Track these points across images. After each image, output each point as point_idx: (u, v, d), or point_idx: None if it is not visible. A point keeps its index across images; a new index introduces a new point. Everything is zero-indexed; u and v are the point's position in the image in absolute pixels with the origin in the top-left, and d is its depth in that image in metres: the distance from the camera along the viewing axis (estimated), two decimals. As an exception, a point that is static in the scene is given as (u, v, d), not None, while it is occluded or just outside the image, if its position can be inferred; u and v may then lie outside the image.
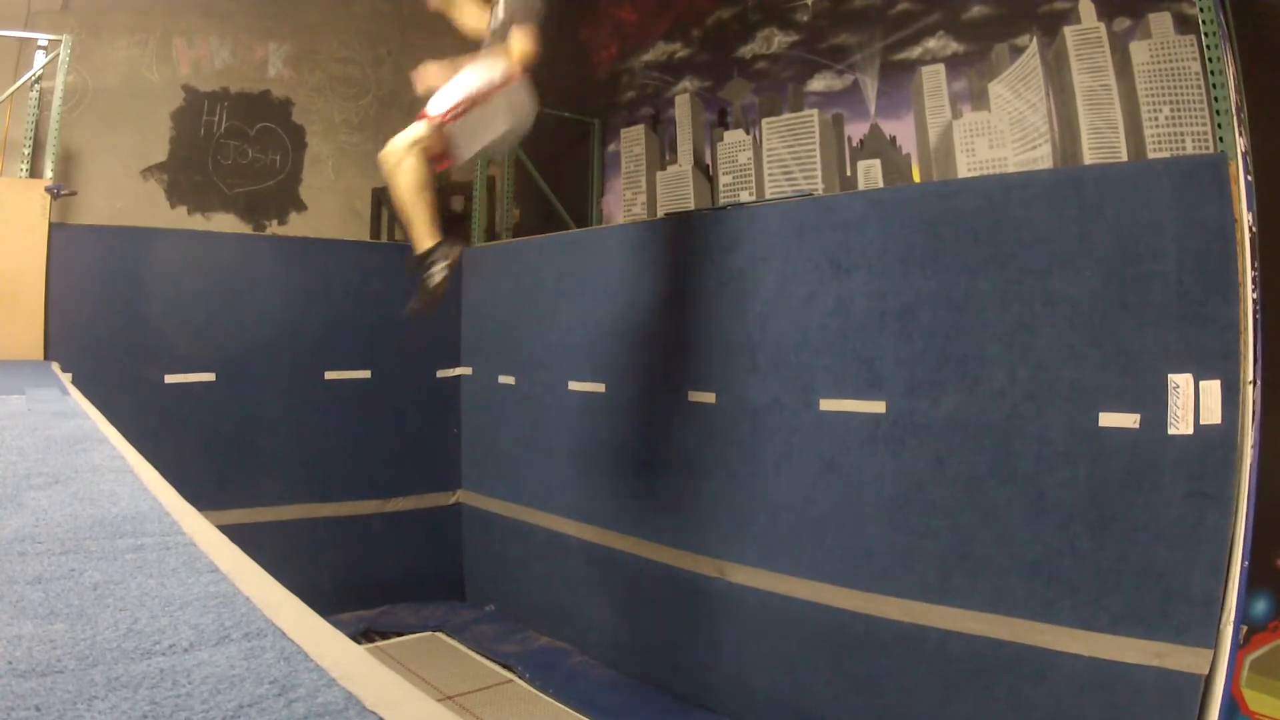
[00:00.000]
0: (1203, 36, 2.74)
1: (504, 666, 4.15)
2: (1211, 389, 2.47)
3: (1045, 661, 2.73)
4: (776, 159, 4.84)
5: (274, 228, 5.73)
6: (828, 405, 3.31)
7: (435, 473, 5.10)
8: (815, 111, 4.67)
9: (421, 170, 2.66)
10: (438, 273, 2.70)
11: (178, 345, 4.42)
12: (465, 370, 5.17)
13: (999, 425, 2.86)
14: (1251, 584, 2.53)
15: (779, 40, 4.85)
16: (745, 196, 4.94)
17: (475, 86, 2.85)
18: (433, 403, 5.11)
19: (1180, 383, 2.52)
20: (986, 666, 2.86)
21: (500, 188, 5.74)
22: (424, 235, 2.70)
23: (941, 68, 4.15)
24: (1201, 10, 2.72)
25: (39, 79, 4.34)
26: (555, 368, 4.48)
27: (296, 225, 5.79)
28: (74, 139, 4.88)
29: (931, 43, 4.18)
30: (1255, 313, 2.43)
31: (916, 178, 4.26)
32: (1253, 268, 2.44)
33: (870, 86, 4.45)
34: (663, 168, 5.53)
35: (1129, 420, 2.61)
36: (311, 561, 4.58)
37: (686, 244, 3.88)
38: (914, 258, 3.10)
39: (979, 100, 4.03)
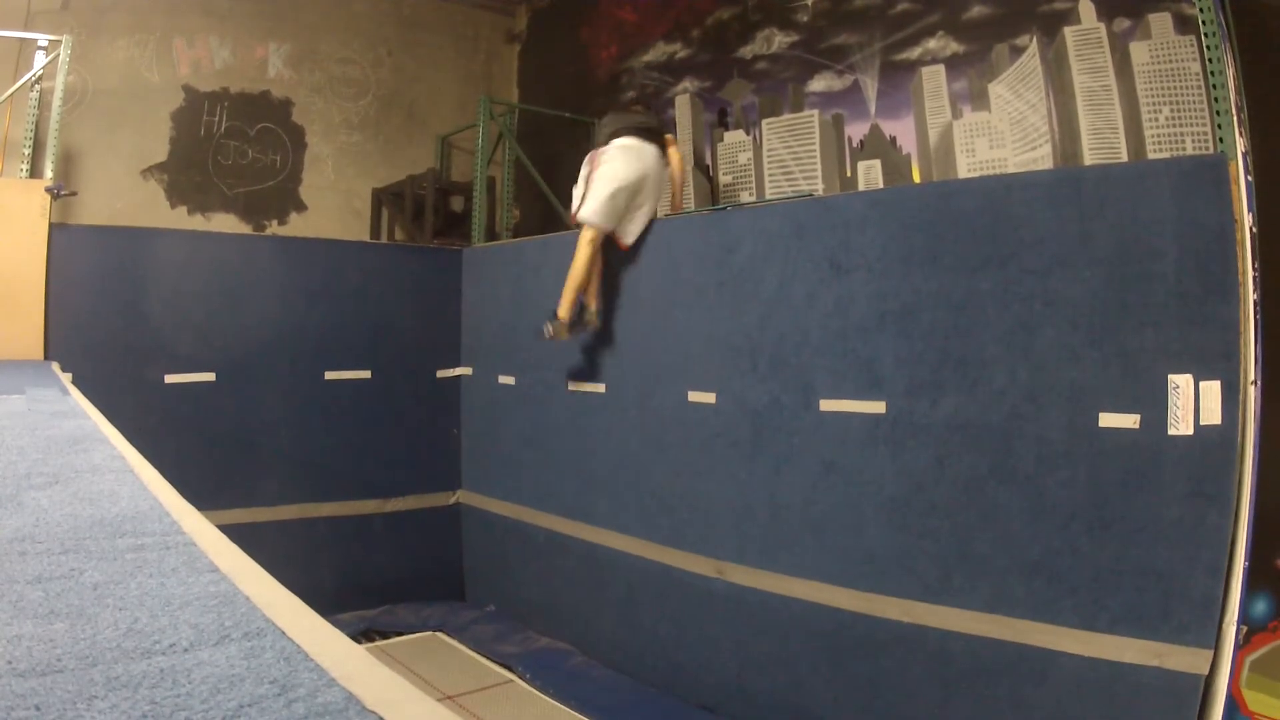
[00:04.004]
0: (1203, 36, 2.74)
1: (504, 666, 4.15)
2: (1211, 389, 2.47)
3: (1045, 661, 2.73)
4: (776, 159, 4.84)
5: (274, 228, 5.73)
6: (828, 405, 3.31)
7: (435, 473, 5.10)
8: (815, 111, 4.67)
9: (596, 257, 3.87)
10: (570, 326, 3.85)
11: (178, 345, 4.42)
12: (465, 370, 5.17)
13: (999, 425, 2.86)
14: (1251, 584, 2.53)
15: (779, 40, 4.85)
16: (745, 196, 4.94)
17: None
18: (433, 403, 5.11)
19: (1180, 383, 2.52)
20: (986, 666, 2.86)
21: (500, 188, 5.74)
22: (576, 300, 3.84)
23: (941, 68, 4.15)
24: (1201, 10, 2.72)
25: (39, 79, 4.34)
26: (555, 368, 4.48)
27: (296, 225, 5.79)
28: (74, 139, 4.88)
29: (931, 43, 4.18)
30: (1255, 313, 2.43)
31: (916, 178, 4.26)
32: (1253, 268, 2.44)
33: (870, 86, 4.45)
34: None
35: (1129, 420, 2.61)
36: (311, 561, 4.58)
37: (686, 244, 3.88)
38: (914, 258, 3.10)
39: (979, 100, 4.03)
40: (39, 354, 4.04)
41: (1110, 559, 2.63)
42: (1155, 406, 2.56)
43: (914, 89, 4.26)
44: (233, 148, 5.60)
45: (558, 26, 6.40)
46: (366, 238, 5.95)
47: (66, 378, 3.50)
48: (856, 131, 4.51)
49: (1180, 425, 2.51)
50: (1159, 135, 3.46)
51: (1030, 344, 2.81)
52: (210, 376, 4.47)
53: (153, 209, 5.28)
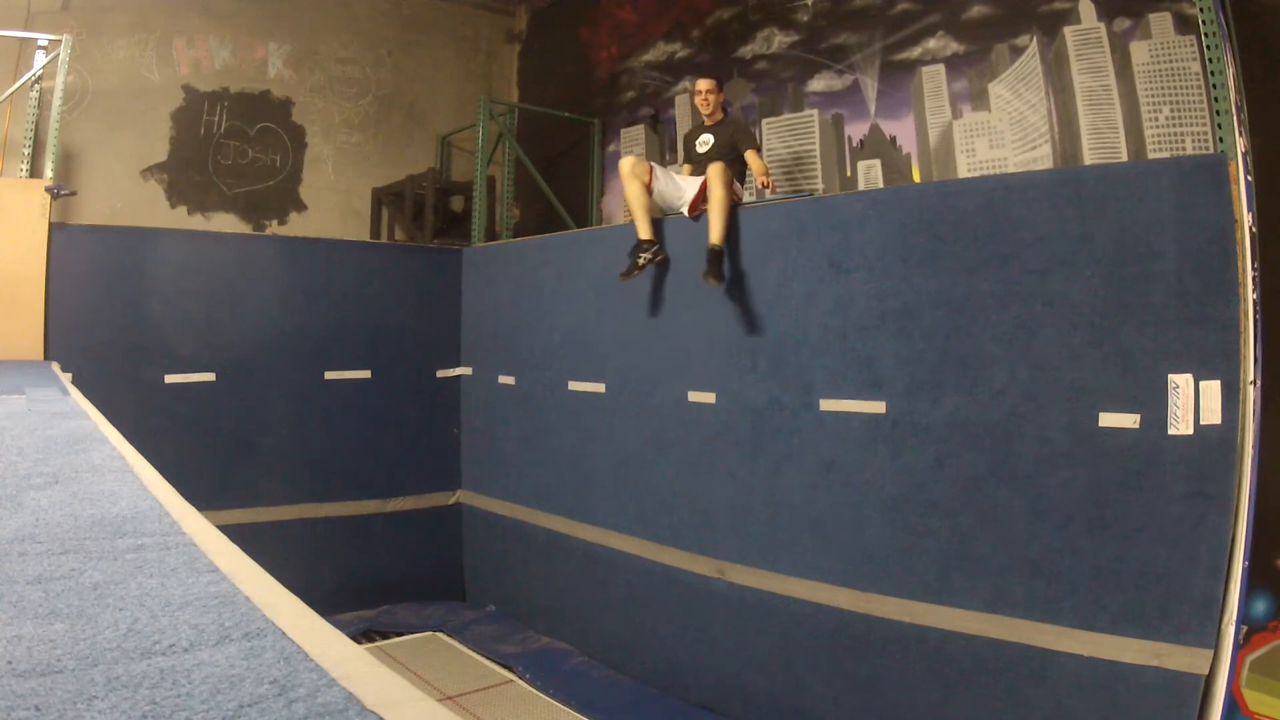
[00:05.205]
0: (1203, 36, 2.74)
1: (504, 666, 4.15)
2: (1211, 389, 2.47)
3: (1045, 661, 2.73)
4: (776, 159, 4.84)
5: (274, 228, 5.73)
6: (828, 405, 3.31)
7: (435, 473, 5.10)
8: (815, 111, 4.67)
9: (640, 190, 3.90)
10: (640, 258, 3.79)
11: (178, 345, 4.42)
12: (465, 370, 5.18)
13: (999, 425, 2.86)
14: (1251, 584, 2.53)
15: (779, 40, 4.85)
16: (745, 196, 4.94)
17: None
18: (433, 403, 5.11)
19: (1180, 383, 2.52)
20: (986, 666, 2.86)
21: (500, 188, 5.74)
22: (642, 229, 3.85)
23: (941, 68, 4.15)
24: (1201, 10, 2.72)
25: (39, 79, 4.34)
26: (555, 368, 4.48)
27: (296, 225, 5.79)
28: (74, 139, 4.88)
29: (931, 43, 4.18)
30: (1255, 313, 2.43)
31: (916, 178, 4.26)
32: (1253, 268, 2.44)
33: (870, 86, 4.45)
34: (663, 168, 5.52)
35: (1129, 420, 2.61)
36: (311, 561, 4.58)
37: (686, 244, 3.87)
38: (914, 258, 3.10)
39: (979, 100, 4.03)
40: (39, 354, 4.04)
41: (1110, 559, 2.63)
42: (1155, 406, 2.56)
43: (914, 89, 4.26)
44: (233, 147, 5.60)
45: (558, 26, 6.40)
46: (366, 238, 5.95)
47: (66, 378, 3.50)
48: (856, 131, 4.51)
49: (1180, 425, 2.51)
50: (1159, 135, 3.46)
51: (1030, 344, 2.81)
52: (210, 376, 4.48)
53: (153, 209, 5.28)
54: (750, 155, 3.97)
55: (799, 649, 3.39)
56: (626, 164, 3.92)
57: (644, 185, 3.89)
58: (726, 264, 3.61)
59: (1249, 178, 2.48)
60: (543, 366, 4.57)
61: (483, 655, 4.29)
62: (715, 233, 3.60)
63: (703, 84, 4.16)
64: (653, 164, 4.00)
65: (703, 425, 3.75)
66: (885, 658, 3.12)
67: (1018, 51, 3.88)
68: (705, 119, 4.19)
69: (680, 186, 3.95)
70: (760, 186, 3.91)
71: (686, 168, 4.20)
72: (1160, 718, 2.51)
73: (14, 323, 3.99)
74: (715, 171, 3.68)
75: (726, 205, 3.65)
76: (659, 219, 3.95)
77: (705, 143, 4.12)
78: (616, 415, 4.15)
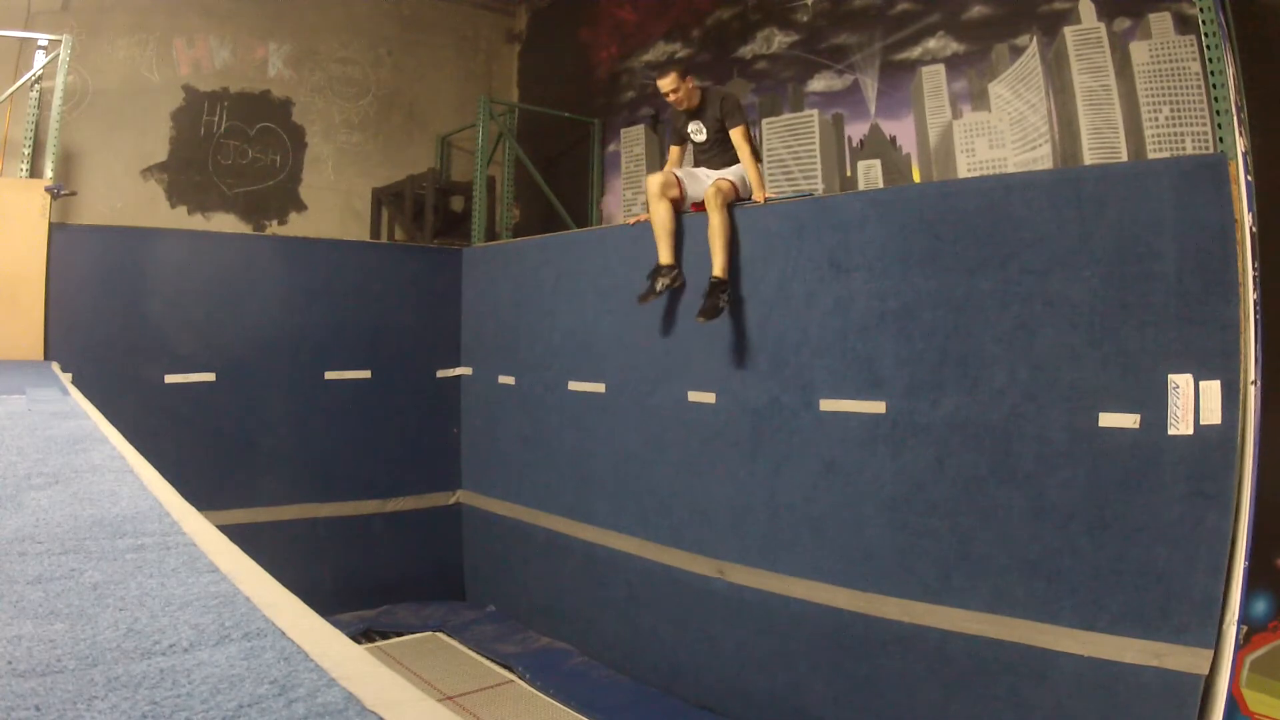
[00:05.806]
0: (1203, 36, 2.74)
1: (504, 666, 4.15)
2: (1211, 389, 2.47)
3: (1045, 661, 2.73)
4: (776, 159, 4.84)
5: (274, 228, 5.73)
6: (828, 405, 3.31)
7: (435, 473, 5.10)
8: (815, 111, 4.67)
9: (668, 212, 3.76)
10: (659, 283, 3.69)
11: (178, 345, 4.42)
12: (465, 370, 5.17)
13: (999, 425, 2.86)
14: (1251, 584, 2.53)
15: (779, 40, 4.85)
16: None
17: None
18: (433, 403, 5.11)
19: (1180, 383, 2.52)
20: (986, 666, 2.86)
21: (500, 188, 5.75)
22: (664, 253, 3.74)
23: (941, 68, 4.15)
24: (1201, 10, 2.72)
25: (39, 79, 4.34)
26: (555, 368, 4.48)
27: (296, 225, 5.79)
28: (74, 139, 4.88)
29: (931, 43, 4.18)
30: (1255, 313, 2.43)
31: (916, 178, 4.26)
32: (1253, 268, 2.44)
33: (870, 86, 4.45)
34: (662, 168, 5.51)
35: (1129, 420, 2.60)
36: (311, 561, 4.58)
37: (686, 244, 3.87)
38: (914, 258, 3.10)
39: (979, 100, 4.03)
40: (39, 354, 4.04)
41: (1110, 559, 2.63)
42: (1155, 406, 2.56)
43: (914, 89, 4.26)
44: (233, 147, 5.60)
45: (558, 26, 6.40)
46: (366, 238, 5.95)
47: (66, 378, 3.50)
48: (856, 131, 4.51)
49: (1180, 425, 2.51)
50: (1159, 135, 3.46)
51: (1030, 344, 2.81)
52: (210, 376, 4.48)
53: (153, 209, 5.28)
54: (738, 140, 3.67)
55: (799, 649, 3.39)
56: (655, 183, 3.74)
57: (672, 205, 3.71)
58: (725, 295, 3.48)
59: (1249, 178, 2.48)
60: (543, 366, 4.57)
61: (483, 655, 4.29)
62: (717, 263, 3.52)
63: (663, 85, 3.76)
64: (677, 174, 3.83)
65: (703, 425, 3.74)
66: (885, 658, 3.12)
67: (1018, 51, 3.89)
68: (686, 108, 3.86)
69: (703, 183, 3.78)
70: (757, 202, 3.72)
71: (675, 150, 4.03)
72: (1160, 718, 2.51)
73: (14, 323, 3.99)
74: (711, 196, 3.57)
75: (726, 233, 3.53)
76: (680, 242, 3.77)
77: (698, 131, 3.89)
78: (616, 415, 4.15)
